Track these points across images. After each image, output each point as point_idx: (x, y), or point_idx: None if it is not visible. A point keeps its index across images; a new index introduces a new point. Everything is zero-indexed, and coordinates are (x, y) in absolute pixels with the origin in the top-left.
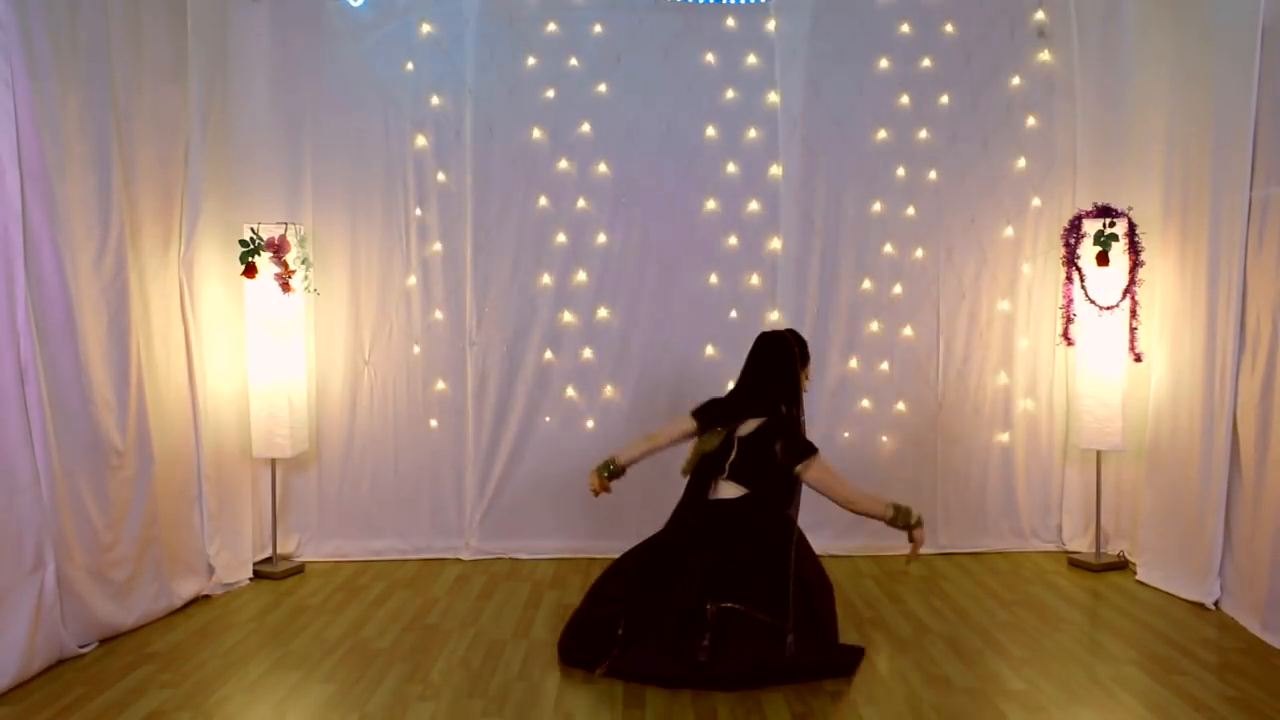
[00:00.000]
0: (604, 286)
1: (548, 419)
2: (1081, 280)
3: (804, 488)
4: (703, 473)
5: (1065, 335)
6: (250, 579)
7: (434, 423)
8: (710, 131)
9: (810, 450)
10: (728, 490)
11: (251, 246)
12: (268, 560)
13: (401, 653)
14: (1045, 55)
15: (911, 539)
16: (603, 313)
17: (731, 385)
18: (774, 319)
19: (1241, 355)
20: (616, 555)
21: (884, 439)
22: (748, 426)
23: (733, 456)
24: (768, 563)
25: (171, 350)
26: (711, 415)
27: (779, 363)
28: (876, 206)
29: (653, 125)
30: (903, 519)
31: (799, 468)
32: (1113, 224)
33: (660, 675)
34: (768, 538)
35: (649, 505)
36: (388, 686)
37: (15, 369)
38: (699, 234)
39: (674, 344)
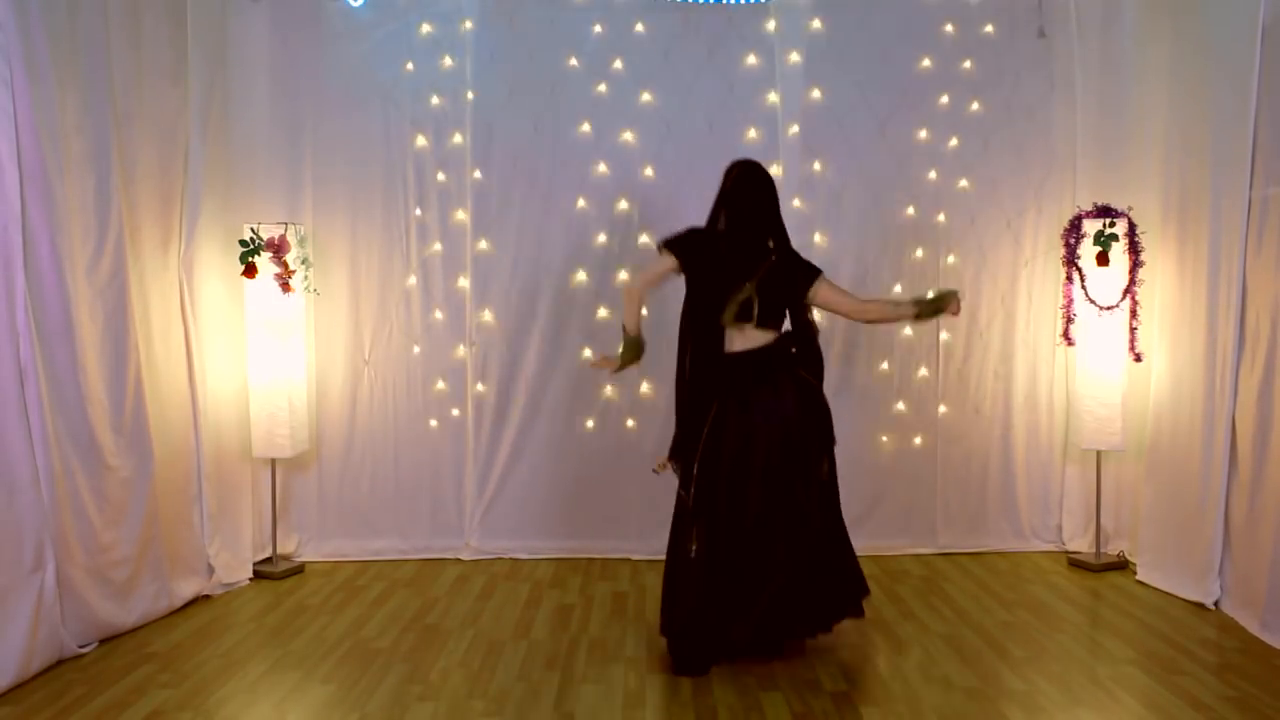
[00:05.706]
0: (604, 286)
1: (548, 419)
2: (1081, 280)
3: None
4: (716, 325)
5: (1065, 335)
6: (250, 579)
7: (434, 423)
8: (710, 132)
9: (816, 271)
10: (754, 338)
11: (251, 246)
12: (268, 560)
13: (401, 653)
14: (1045, 56)
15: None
16: (603, 312)
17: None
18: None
19: (1241, 355)
20: (616, 555)
21: (884, 439)
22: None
23: (757, 303)
24: (815, 401)
25: (171, 350)
26: (698, 250)
27: (771, 196)
28: (876, 206)
29: (652, 125)
30: (929, 309)
31: (810, 292)
32: (1113, 224)
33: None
34: (807, 374)
35: (649, 506)
36: (388, 686)
37: (15, 369)
38: None
39: (674, 343)
